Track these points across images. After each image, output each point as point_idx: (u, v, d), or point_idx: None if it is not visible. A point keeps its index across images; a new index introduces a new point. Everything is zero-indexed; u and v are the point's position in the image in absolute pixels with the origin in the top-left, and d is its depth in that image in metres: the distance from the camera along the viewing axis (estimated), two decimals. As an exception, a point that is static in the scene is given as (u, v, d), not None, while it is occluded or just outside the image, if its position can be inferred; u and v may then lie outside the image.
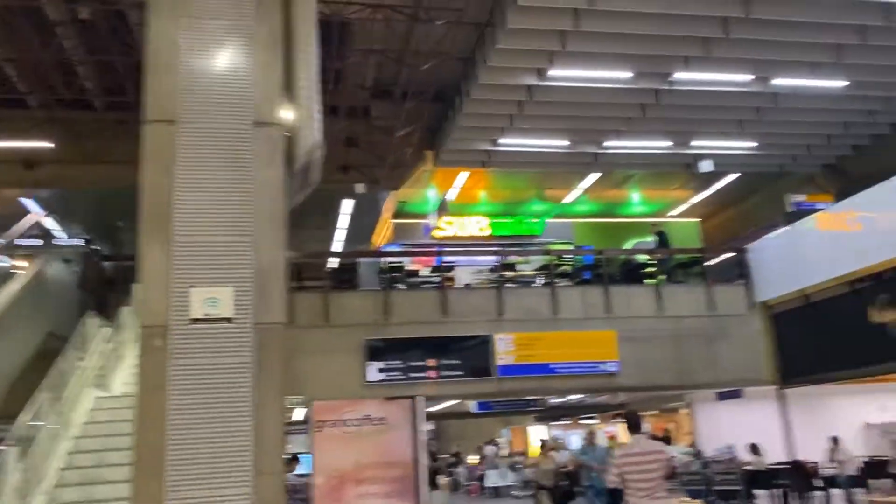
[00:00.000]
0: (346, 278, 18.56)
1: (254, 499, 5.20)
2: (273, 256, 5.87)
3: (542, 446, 10.96)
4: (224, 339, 5.50)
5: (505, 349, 16.77)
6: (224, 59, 5.96)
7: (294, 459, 14.16)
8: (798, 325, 17.13)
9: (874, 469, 15.19)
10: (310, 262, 17.22)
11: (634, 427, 6.36)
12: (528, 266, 20.04)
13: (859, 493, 13.95)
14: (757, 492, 15.45)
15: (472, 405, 22.03)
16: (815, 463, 14.59)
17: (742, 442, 17.52)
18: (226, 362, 5.46)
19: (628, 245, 23.75)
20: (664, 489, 5.96)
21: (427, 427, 41.58)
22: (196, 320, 5.51)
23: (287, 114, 6.33)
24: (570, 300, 17.35)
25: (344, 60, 13.04)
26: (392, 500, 5.35)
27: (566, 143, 16.18)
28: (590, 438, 10.81)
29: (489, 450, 27.24)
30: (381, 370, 15.99)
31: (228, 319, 5.53)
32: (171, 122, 5.82)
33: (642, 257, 19.36)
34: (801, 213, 18.63)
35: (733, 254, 19.10)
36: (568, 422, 35.01)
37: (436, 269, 17.71)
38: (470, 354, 16.71)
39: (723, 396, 20.87)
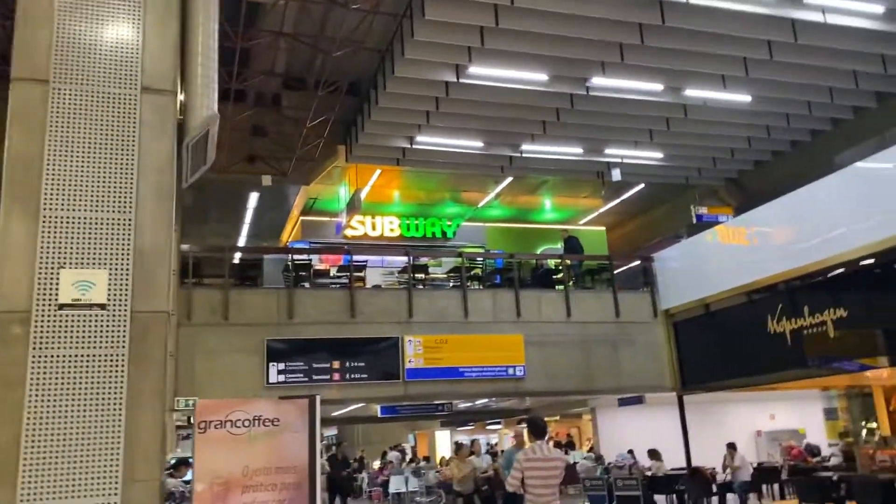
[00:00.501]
0: (249, 275, 17.74)
1: (122, 509, 4.59)
2: (157, 238, 5.26)
3: (458, 450, 10.39)
4: (96, 327, 4.85)
5: (414, 352, 16.41)
6: (109, 15, 5.32)
7: (184, 464, 13.29)
8: (698, 333, 17.60)
9: (766, 475, 15.72)
10: (210, 257, 16.32)
11: (538, 433, 6.36)
12: (439, 269, 19.80)
13: (752, 499, 14.33)
14: (657, 497, 15.67)
15: (377, 409, 21.51)
16: (713, 469, 14.92)
17: (643, 447, 17.82)
18: (97, 354, 4.82)
19: (539, 251, 23.91)
20: (558, 497, 6.11)
21: (330, 432, 40.75)
22: (64, 306, 4.84)
23: (180, 82, 5.73)
24: (480, 303, 17.19)
25: (252, 41, 12.34)
26: (283, 509, 4.82)
27: (481, 144, 16.00)
28: (519, 440, 10.61)
29: (393, 455, 26.77)
30: (282, 372, 15.32)
31: (102, 306, 4.89)
32: (44, 81, 5.13)
33: (552, 263, 19.46)
34: (704, 225, 19.21)
35: (639, 262, 19.51)
36: (473, 427, 35.02)
37: (344, 269, 17.16)
38: (377, 357, 16.25)
39: (624, 402, 21.24)
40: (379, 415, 21.39)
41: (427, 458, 27.96)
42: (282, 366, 15.27)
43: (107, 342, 4.83)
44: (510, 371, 16.98)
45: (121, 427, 4.71)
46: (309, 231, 22.55)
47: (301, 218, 22.39)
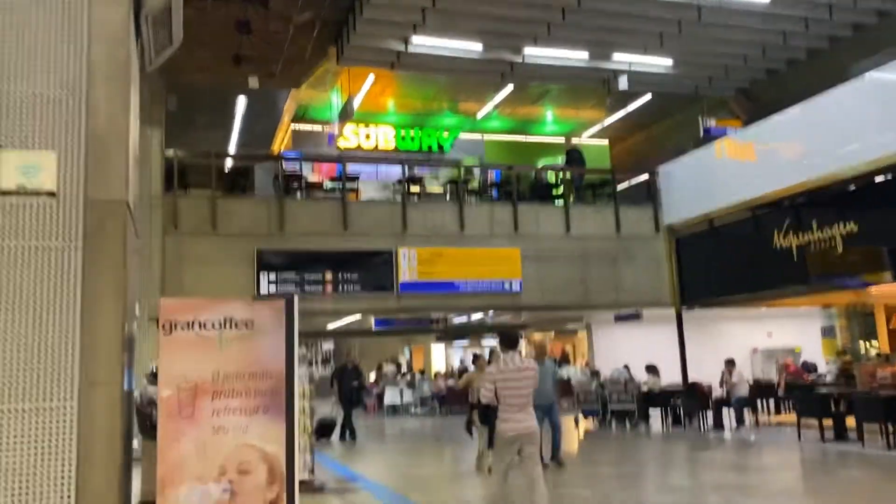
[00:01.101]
0: (238, 184, 17.14)
1: (80, 412, 4.17)
2: (113, 120, 4.66)
3: (476, 360, 10.08)
4: (45, 217, 4.33)
5: (408, 265, 16.02)
6: None
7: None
8: (701, 249, 17.20)
9: (762, 391, 15.62)
10: (197, 164, 15.68)
11: (510, 344, 6.42)
12: (435, 182, 19.19)
13: (748, 414, 14.24)
14: (652, 411, 15.61)
15: (372, 323, 21.32)
16: (709, 384, 14.77)
17: (638, 364, 17.67)
18: (47, 246, 4.30)
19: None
20: (531, 405, 6.20)
21: (327, 345, 40.83)
22: (8, 193, 4.29)
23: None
24: (477, 217, 16.69)
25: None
26: (259, 417, 4.41)
27: (480, 47, 15.08)
28: (539, 351, 10.06)
29: (388, 368, 26.88)
30: (274, 282, 14.96)
31: (51, 193, 4.35)
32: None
33: (552, 177, 18.85)
34: (711, 137, 18.45)
35: (643, 176, 18.92)
36: (468, 343, 35.19)
37: (336, 180, 16.55)
38: (371, 269, 15.88)
39: (621, 319, 21.04)
40: (373, 328, 21.20)
41: (422, 372, 28.07)
42: (273, 276, 14.88)
43: (58, 233, 4.32)
44: (506, 285, 16.64)
45: (76, 326, 4.25)
46: (301, 140, 21.77)
47: (292, 126, 21.57)
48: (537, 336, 27.98)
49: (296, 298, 4.91)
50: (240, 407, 4.59)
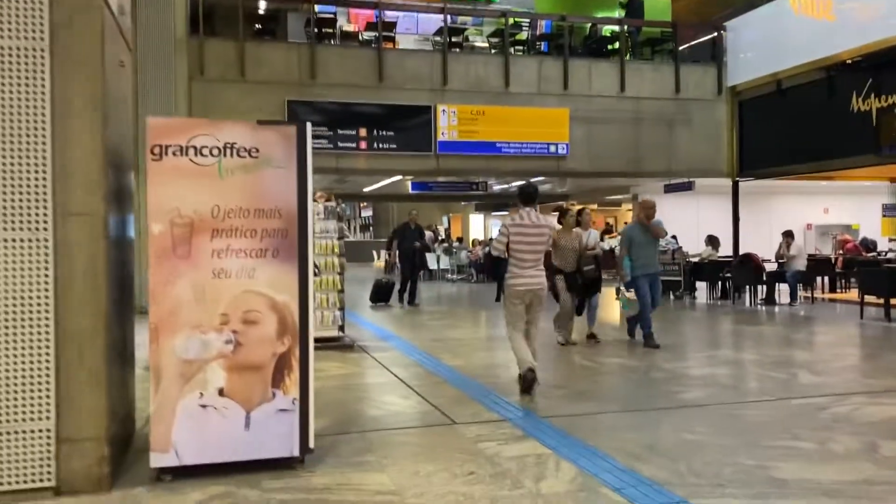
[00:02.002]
0: (268, 30, 16.02)
1: (57, 248, 3.56)
2: None
3: (562, 216, 8.53)
4: (2, 9, 3.52)
5: (447, 123, 15.05)
6: None
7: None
8: (766, 113, 15.83)
9: (819, 267, 14.72)
10: (223, 5, 14.51)
11: (528, 199, 6.15)
12: (479, 37, 17.76)
13: (801, 290, 13.44)
14: (699, 283, 14.90)
15: (408, 186, 20.61)
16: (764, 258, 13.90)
17: (686, 237, 16.78)
18: (4, 46, 3.53)
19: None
20: (543, 263, 6.11)
21: (367, 212, 40.68)
22: (-45, -21, 3.48)
23: None
24: (524, 72, 15.43)
25: None
26: (267, 261, 3.75)
27: None
28: (649, 211, 8.51)
29: (427, 235, 26.43)
30: (305, 137, 14.17)
31: (8, -19, 3.52)
32: None
33: (608, 30, 17.24)
34: (788, -10, 16.47)
35: (708, 31, 17.22)
36: (508, 213, 34.55)
37: (372, 26, 15.29)
38: (408, 126, 14.96)
39: (671, 189, 19.95)
40: (410, 191, 20.52)
41: (460, 240, 27.64)
42: (304, 131, 14.08)
43: (16, 31, 3.53)
44: (552, 148, 15.62)
45: (45, 143, 3.56)
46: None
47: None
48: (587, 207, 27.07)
49: (308, 126, 4.12)
50: (244, 248, 3.93)
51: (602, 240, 24.85)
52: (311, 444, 4.06)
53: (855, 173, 16.74)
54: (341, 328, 8.67)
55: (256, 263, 3.96)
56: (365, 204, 46.31)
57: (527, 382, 5.75)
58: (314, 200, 8.81)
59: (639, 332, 8.57)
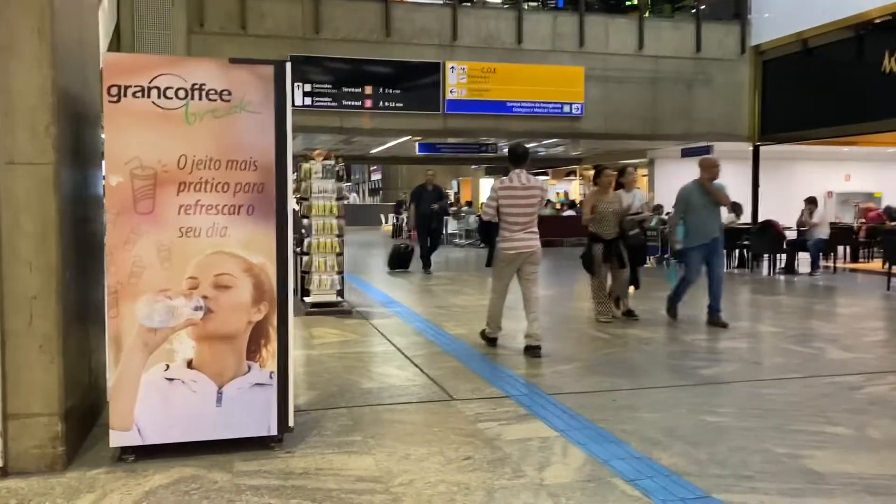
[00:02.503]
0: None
1: (-2, 202, 3.14)
2: None
3: (598, 176, 7.58)
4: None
5: (457, 81, 14.45)
6: None
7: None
8: (791, 73, 15.10)
9: (841, 236, 14.15)
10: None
11: (518, 160, 5.97)
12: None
13: (822, 260, 12.91)
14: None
15: (416, 148, 20.03)
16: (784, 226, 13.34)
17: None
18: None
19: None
20: (535, 225, 5.92)
21: (376, 176, 40.14)
22: None
23: None
24: (537, 28, 14.75)
25: None
26: (241, 219, 3.30)
27: None
28: (712, 170, 7.27)
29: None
30: (309, 94, 13.66)
31: None
32: None
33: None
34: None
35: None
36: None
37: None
38: (415, 84, 14.38)
39: (689, 153, 19.29)
40: (417, 152, 19.94)
41: (469, 204, 27.12)
42: (308, 87, 13.56)
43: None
44: (566, 108, 15.02)
45: (-21, 80, 3.10)
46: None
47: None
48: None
49: (287, 65, 3.63)
50: (215, 204, 3.49)
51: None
52: (291, 422, 3.66)
53: (880, 138, 16.03)
54: (340, 293, 8.27)
55: (229, 221, 3.51)
56: (375, 167, 45.77)
57: (489, 342, 6.16)
58: (312, 159, 8.38)
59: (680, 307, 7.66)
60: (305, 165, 8.21)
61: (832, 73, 14.09)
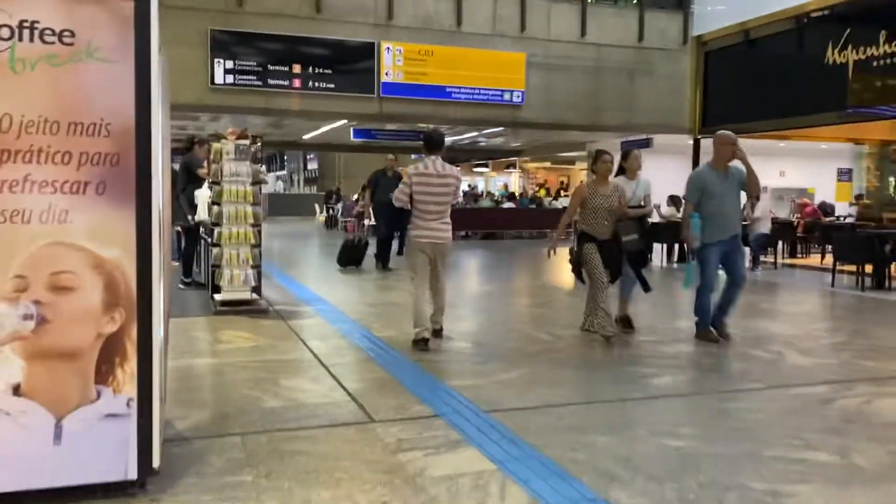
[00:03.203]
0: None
1: None
2: None
3: (596, 160, 6.06)
4: None
5: (393, 63, 13.65)
6: None
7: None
8: (733, 65, 14.84)
9: (782, 231, 13.99)
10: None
11: (433, 146, 5.75)
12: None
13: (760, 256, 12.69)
14: (654, 246, 14.00)
15: (351, 134, 19.13)
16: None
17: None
18: None
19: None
20: (449, 216, 5.76)
21: (312, 164, 38.83)
22: None
23: None
24: (478, 9, 14.07)
25: None
26: (88, 200, 2.46)
27: None
28: (731, 153, 6.10)
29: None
30: (231, 71, 12.65)
31: None
32: None
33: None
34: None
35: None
36: (459, 168, 33.20)
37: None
38: (348, 65, 13.51)
39: (629, 145, 18.98)
40: (352, 138, 19.07)
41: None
42: (230, 64, 12.56)
43: None
44: (506, 96, 14.42)
45: None
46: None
47: None
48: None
49: (154, 3, 2.80)
50: (53, 180, 2.66)
51: (556, 199, 23.91)
52: (156, 462, 2.86)
53: (818, 133, 16.00)
54: (256, 290, 7.41)
55: (71, 203, 2.68)
56: (311, 155, 44.43)
57: (420, 345, 5.57)
58: (224, 138, 7.48)
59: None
60: (216, 145, 7.32)
61: (775, 64, 13.88)
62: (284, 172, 51.08)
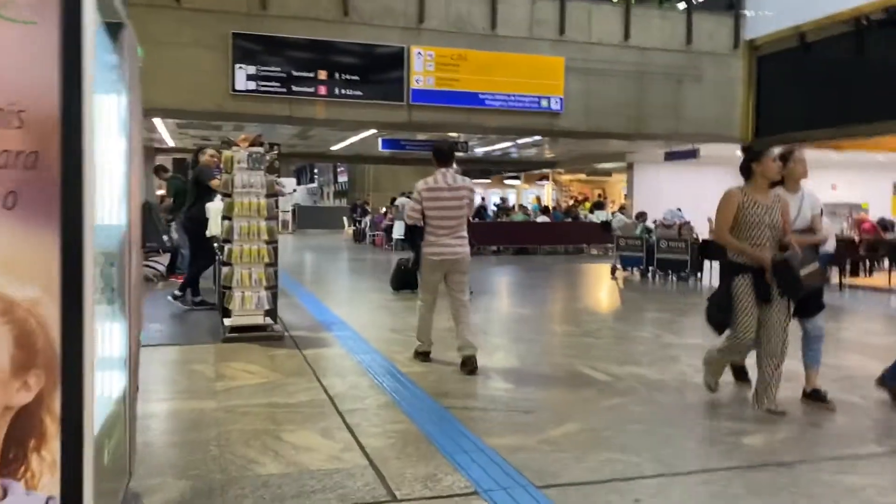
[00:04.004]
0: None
1: None
2: None
3: (787, 157, 4.59)
4: None
5: (423, 68, 12.89)
6: None
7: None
8: (787, 70, 13.85)
9: (847, 250, 12.87)
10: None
11: (443, 158, 5.50)
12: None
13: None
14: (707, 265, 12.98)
15: (379, 144, 18.41)
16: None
17: (686, 211, 14.78)
18: None
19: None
20: (464, 230, 5.48)
21: (342, 178, 38.26)
22: None
23: None
24: (514, 12, 13.26)
25: None
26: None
27: None
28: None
29: (402, 200, 24.34)
30: (253, 77, 11.99)
31: None
32: None
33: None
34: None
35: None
36: (489, 181, 32.38)
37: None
38: (376, 70, 12.78)
39: (673, 157, 18.00)
40: (380, 149, 18.34)
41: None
42: (252, 70, 11.90)
43: None
44: (543, 103, 13.56)
45: None
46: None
47: None
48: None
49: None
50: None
51: (592, 213, 22.91)
52: (89, 586, 2.04)
53: (878, 143, 14.87)
54: (270, 313, 6.62)
55: (-33, 221, 1.89)
56: (341, 168, 43.95)
57: (421, 357, 5.54)
58: (236, 145, 6.74)
59: None
60: (227, 153, 6.57)
61: (832, 70, 12.87)
62: (315, 185, 50.67)
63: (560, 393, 4.89)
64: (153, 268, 9.84)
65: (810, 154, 15.36)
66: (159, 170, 12.11)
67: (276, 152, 6.87)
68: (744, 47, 14.29)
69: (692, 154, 16.98)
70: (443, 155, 5.49)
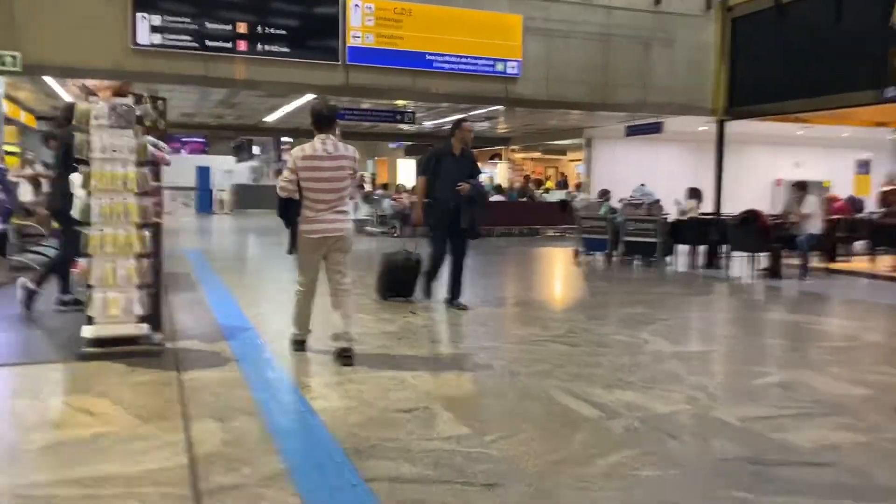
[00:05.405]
0: None
1: None
2: None
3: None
4: None
5: (362, 22, 11.21)
6: None
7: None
8: (764, 34, 12.60)
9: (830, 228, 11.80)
10: None
11: (323, 123, 4.85)
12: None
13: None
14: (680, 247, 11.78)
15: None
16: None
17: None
18: None
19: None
20: (346, 203, 4.95)
21: (286, 154, 36.30)
22: None
23: None
24: (465, -39, 11.69)
25: None
26: None
27: None
28: None
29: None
30: (159, 29, 10.13)
31: None
32: None
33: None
34: None
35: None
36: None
37: None
38: (307, 23, 11.04)
39: (636, 131, 16.77)
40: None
41: (384, 187, 23.96)
42: (157, 20, 10.04)
43: None
44: (499, 66, 12.03)
45: None
46: None
47: None
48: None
49: None
50: None
51: (547, 191, 21.63)
52: None
53: (839, 116, 13.77)
54: (148, 319, 5.00)
55: None
56: (286, 146, 41.67)
57: (297, 346, 5.07)
58: (93, 94, 5.04)
59: None
60: (82, 107, 4.87)
61: (815, 32, 11.69)
62: (257, 163, 48.28)
63: (535, 443, 3.42)
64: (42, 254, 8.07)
65: (776, 131, 14.07)
66: (48, 137, 10.21)
67: (152, 105, 5.21)
68: (717, 8, 13.01)
69: (655, 128, 15.75)
70: (323, 118, 4.87)
